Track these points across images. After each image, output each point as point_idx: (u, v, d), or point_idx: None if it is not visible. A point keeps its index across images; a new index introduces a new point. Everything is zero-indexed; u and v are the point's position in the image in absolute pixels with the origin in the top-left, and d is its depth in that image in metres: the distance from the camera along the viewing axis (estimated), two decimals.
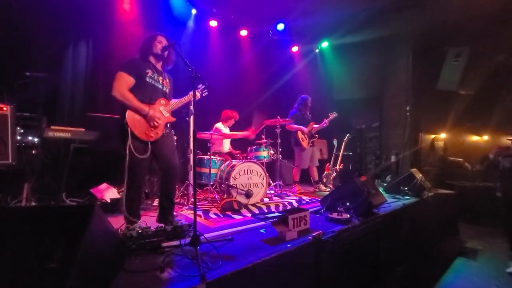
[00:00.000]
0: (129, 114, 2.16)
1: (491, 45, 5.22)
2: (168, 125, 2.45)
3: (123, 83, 2.17)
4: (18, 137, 2.90)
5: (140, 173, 2.25)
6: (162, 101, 2.37)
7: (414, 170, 4.25)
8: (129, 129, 2.13)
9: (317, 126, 4.79)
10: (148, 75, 2.30)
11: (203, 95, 2.73)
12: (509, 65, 5.24)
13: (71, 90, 4.09)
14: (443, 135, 6.29)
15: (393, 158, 6.02)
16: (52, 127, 3.18)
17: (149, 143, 2.23)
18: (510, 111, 5.09)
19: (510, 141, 3.53)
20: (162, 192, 2.44)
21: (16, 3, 3.46)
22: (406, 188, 3.98)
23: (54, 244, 1.16)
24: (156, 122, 2.25)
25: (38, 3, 3.60)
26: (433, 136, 6.35)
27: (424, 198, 3.84)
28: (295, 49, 6.84)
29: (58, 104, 3.96)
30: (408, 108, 5.96)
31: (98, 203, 3.05)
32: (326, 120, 4.82)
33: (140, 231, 1.81)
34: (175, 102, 2.45)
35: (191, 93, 2.43)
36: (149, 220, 2.51)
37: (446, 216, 4.27)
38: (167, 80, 2.48)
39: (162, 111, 2.34)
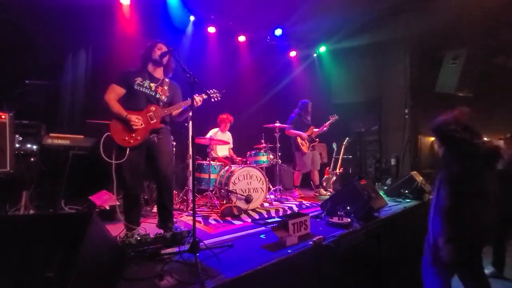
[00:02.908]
0: (112, 121, 2.24)
1: (488, 48, 5.26)
2: (159, 132, 2.37)
3: (112, 93, 2.29)
4: (17, 145, 2.90)
5: (127, 178, 2.24)
6: (152, 107, 2.35)
7: (414, 173, 4.24)
8: (110, 136, 2.20)
9: (317, 130, 4.79)
10: (136, 82, 2.31)
11: (214, 99, 2.58)
12: (506, 67, 5.27)
13: (70, 97, 4.11)
14: None
15: (393, 161, 6.01)
16: (51, 134, 3.17)
17: (128, 148, 2.23)
18: (509, 112, 5.10)
19: (502, 140, 3.39)
20: (158, 201, 2.44)
21: (15, 10, 3.49)
22: (406, 191, 3.97)
23: (52, 253, 1.15)
24: (133, 125, 2.23)
25: (37, 10, 3.63)
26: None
27: (425, 201, 3.82)
28: (293, 54, 6.89)
29: (58, 112, 3.98)
30: (406, 111, 5.98)
31: (97, 210, 3.04)
32: (326, 124, 4.82)
33: (139, 238, 1.80)
34: (169, 108, 2.42)
35: (190, 98, 2.42)
36: (148, 227, 2.50)
37: None
38: (166, 88, 2.46)
39: (149, 117, 2.32)
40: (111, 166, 2.23)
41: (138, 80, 2.33)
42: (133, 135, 2.25)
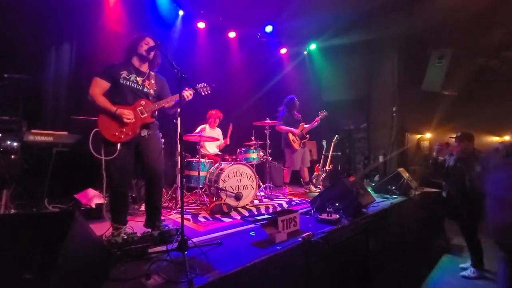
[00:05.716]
0: (100, 117, 2.16)
1: (472, 48, 5.40)
2: (149, 126, 2.33)
3: (97, 88, 2.21)
4: None
5: (116, 175, 2.19)
6: (142, 102, 2.30)
7: (401, 169, 4.32)
8: (98, 131, 2.13)
9: (307, 126, 4.80)
10: (122, 76, 2.25)
11: (204, 93, 2.50)
12: (489, 67, 5.44)
13: (53, 93, 3.96)
14: (428, 135, 6.45)
15: (381, 158, 6.12)
16: (33, 130, 3.06)
17: (119, 144, 2.17)
18: (492, 110, 5.26)
19: (452, 139, 3.48)
20: (147, 198, 2.40)
21: None
22: (393, 188, 4.05)
23: (31, 254, 1.10)
24: (125, 119, 2.17)
25: (19, 2, 3.47)
26: (418, 136, 6.51)
27: (411, 197, 3.91)
28: (283, 51, 6.88)
29: (40, 107, 3.83)
30: (394, 109, 6.09)
31: (82, 208, 2.96)
32: (317, 118, 4.84)
33: (125, 237, 1.76)
34: (159, 102, 2.38)
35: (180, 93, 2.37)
36: (136, 226, 2.44)
37: (433, 214, 4.37)
38: (153, 81, 2.40)
39: (139, 111, 2.27)
40: (100, 163, 2.17)
41: (124, 73, 2.26)
42: (124, 129, 2.18)
